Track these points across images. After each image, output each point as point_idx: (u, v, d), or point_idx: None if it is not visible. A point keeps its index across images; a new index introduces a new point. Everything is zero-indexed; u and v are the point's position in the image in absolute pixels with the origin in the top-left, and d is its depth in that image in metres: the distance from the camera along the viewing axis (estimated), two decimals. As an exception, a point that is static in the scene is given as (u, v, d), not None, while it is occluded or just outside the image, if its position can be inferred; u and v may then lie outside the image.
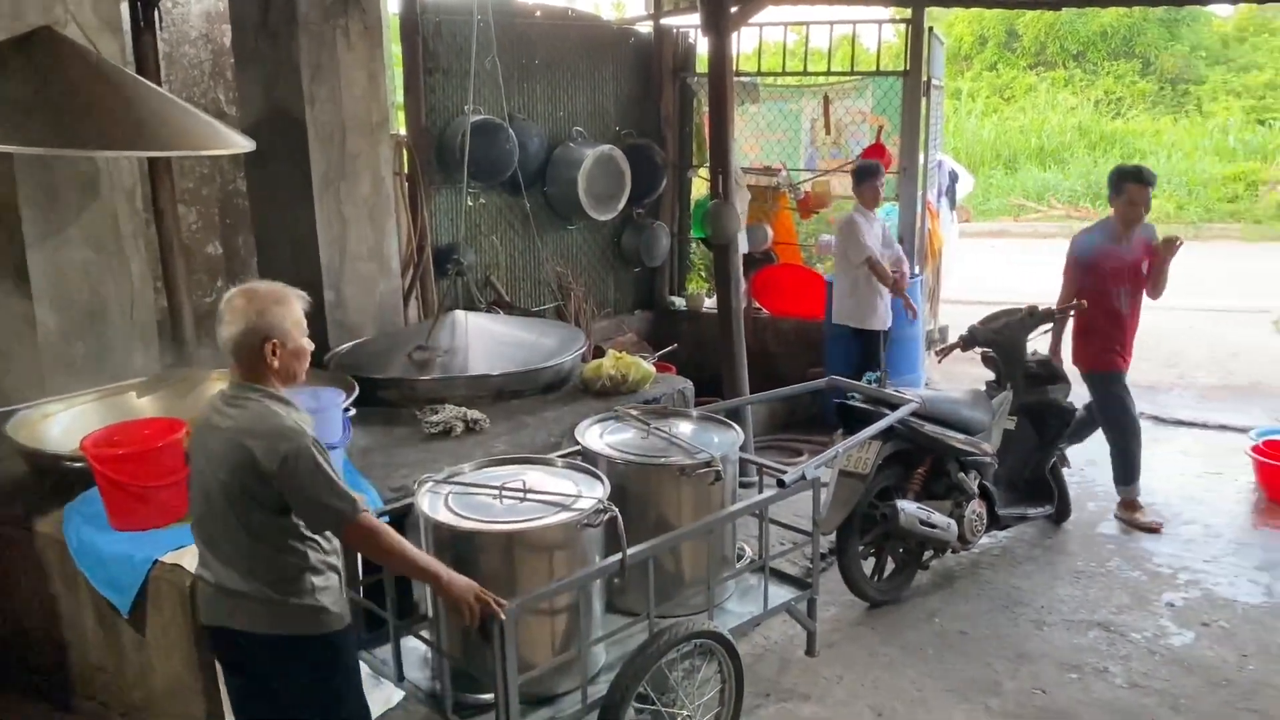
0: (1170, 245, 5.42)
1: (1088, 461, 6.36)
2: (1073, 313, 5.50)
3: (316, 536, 2.62)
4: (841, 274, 6.69)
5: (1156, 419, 7.32)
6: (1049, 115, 19.14)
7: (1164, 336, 9.56)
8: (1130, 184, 5.35)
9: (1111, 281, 5.43)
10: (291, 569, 2.57)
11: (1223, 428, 7.08)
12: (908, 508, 4.57)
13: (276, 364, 2.60)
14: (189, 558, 3.12)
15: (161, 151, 4.42)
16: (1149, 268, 5.47)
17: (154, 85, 4.47)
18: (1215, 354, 8.98)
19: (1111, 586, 4.88)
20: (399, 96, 6.75)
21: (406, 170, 6.29)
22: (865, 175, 6.52)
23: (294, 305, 2.64)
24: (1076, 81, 20.41)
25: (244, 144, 4.26)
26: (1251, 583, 4.88)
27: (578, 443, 3.73)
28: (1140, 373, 8.41)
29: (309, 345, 2.68)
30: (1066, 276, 5.56)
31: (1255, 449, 5.95)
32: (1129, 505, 5.62)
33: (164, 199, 5.02)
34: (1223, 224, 15.40)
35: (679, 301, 8.39)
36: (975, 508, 4.89)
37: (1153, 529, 5.44)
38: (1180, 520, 5.59)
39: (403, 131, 6.47)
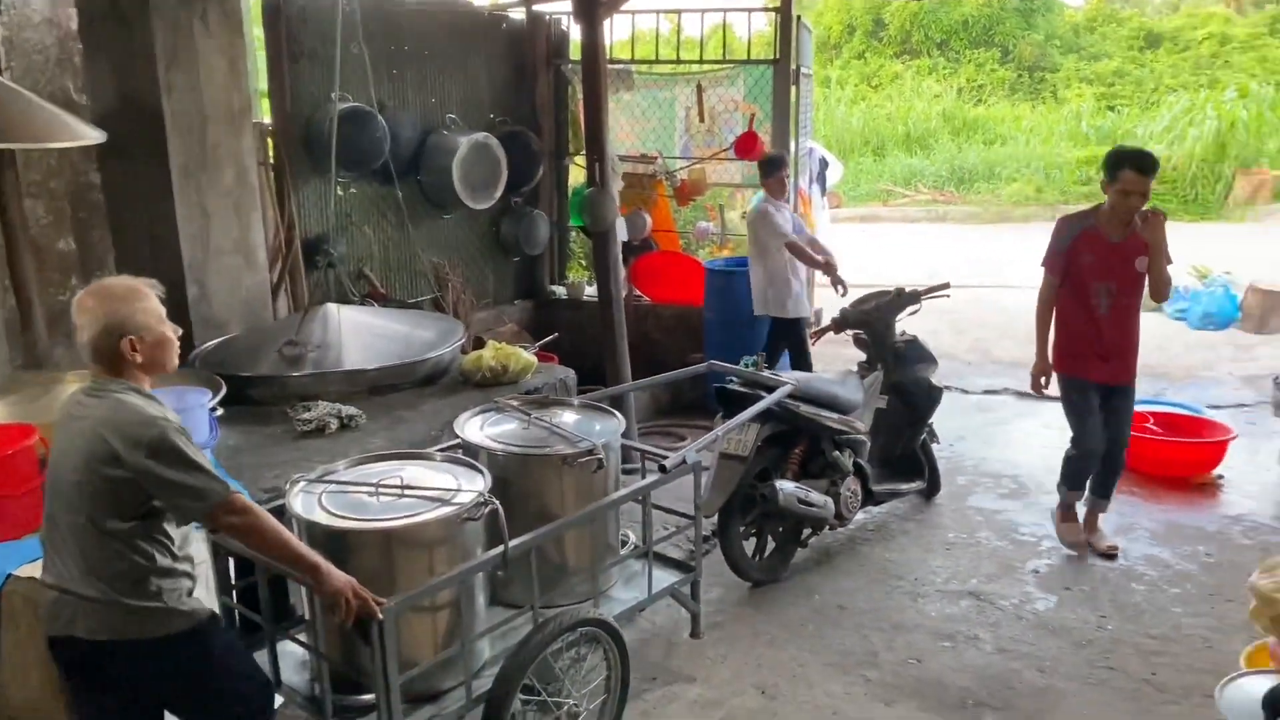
0: (1151, 222, 4.62)
1: (957, 437, 6.62)
2: (938, 294, 5.67)
3: (166, 539, 2.51)
4: (757, 265, 6.69)
5: (1020, 394, 7.63)
6: (915, 102, 19.75)
7: (1026, 314, 9.98)
8: (1127, 170, 4.60)
9: (1089, 276, 4.82)
10: (136, 571, 2.46)
11: (1080, 400, 7.41)
12: (786, 488, 4.66)
13: (140, 359, 2.51)
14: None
15: (1, 143, 4.18)
16: (1147, 264, 4.75)
17: (-8, 72, 4.23)
18: (1072, 330, 9.39)
19: (980, 556, 5.08)
20: (263, 84, 6.53)
21: (272, 160, 6.10)
22: (772, 167, 6.54)
23: (146, 296, 2.54)
24: (940, 69, 21.11)
25: (93, 135, 4.07)
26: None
27: (457, 436, 3.68)
28: (1003, 349, 8.82)
29: (172, 333, 2.59)
30: (1046, 267, 5.00)
31: (1109, 420, 6.26)
32: (1061, 511, 5.19)
33: (8, 193, 4.74)
34: (1078, 206, 16.13)
35: (559, 290, 8.36)
36: (851, 485, 5.02)
37: (1075, 545, 5.08)
38: (1043, 490, 5.85)
39: (267, 120, 6.26)
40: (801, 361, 6.58)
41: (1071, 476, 5.12)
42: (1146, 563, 4.98)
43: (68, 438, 2.48)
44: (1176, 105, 17.52)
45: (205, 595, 2.85)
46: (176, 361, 2.64)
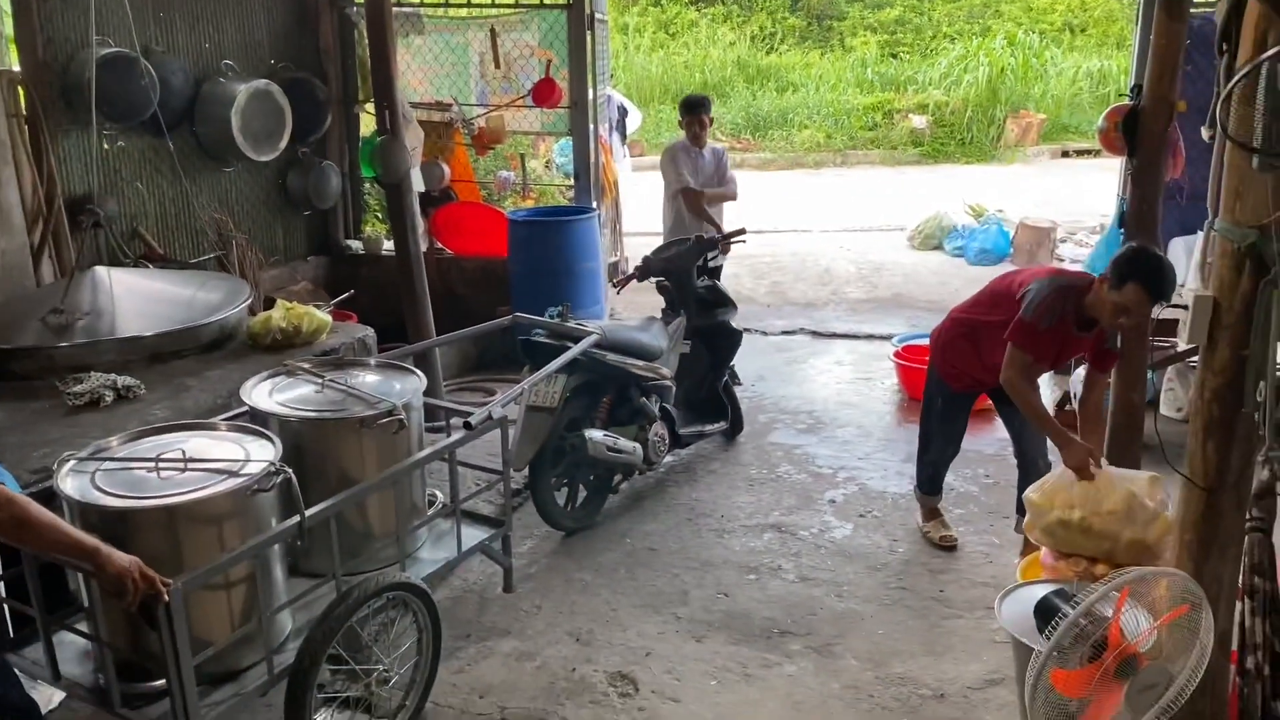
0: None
1: (757, 377, 6.83)
2: (735, 240, 5.80)
3: None
4: (666, 207, 6.81)
5: (815, 333, 7.96)
6: (710, 51, 19.99)
7: (818, 256, 10.40)
8: (1133, 285, 3.71)
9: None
10: None
11: (870, 337, 7.82)
12: (595, 436, 4.69)
13: None
14: None
15: None
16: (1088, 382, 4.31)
17: None
18: (862, 270, 9.87)
19: (781, 491, 5.28)
20: (9, 27, 5.92)
21: (25, 112, 5.55)
22: (684, 110, 6.71)
23: None
24: (734, 17, 21.42)
25: None
26: (899, 474, 5.45)
27: (245, 403, 3.50)
28: (798, 292, 9.16)
29: None
30: (1024, 346, 4.11)
31: (896, 354, 6.62)
32: (923, 509, 4.90)
33: None
34: (864, 151, 16.86)
35: (355, 245, 8.04)
36: (658, 430, 5.11)
37: (944, 545, 4.71)
38: (837, 424, 6.13)
39: (16, 67, 5.68)
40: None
41: (923, 478, 4.87)
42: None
43: None
44: (952, 52, 18.47)
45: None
46: None
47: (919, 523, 4.88)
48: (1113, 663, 2.63)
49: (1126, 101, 4.30)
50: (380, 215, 8.53)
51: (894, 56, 19.79)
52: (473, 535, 3.80)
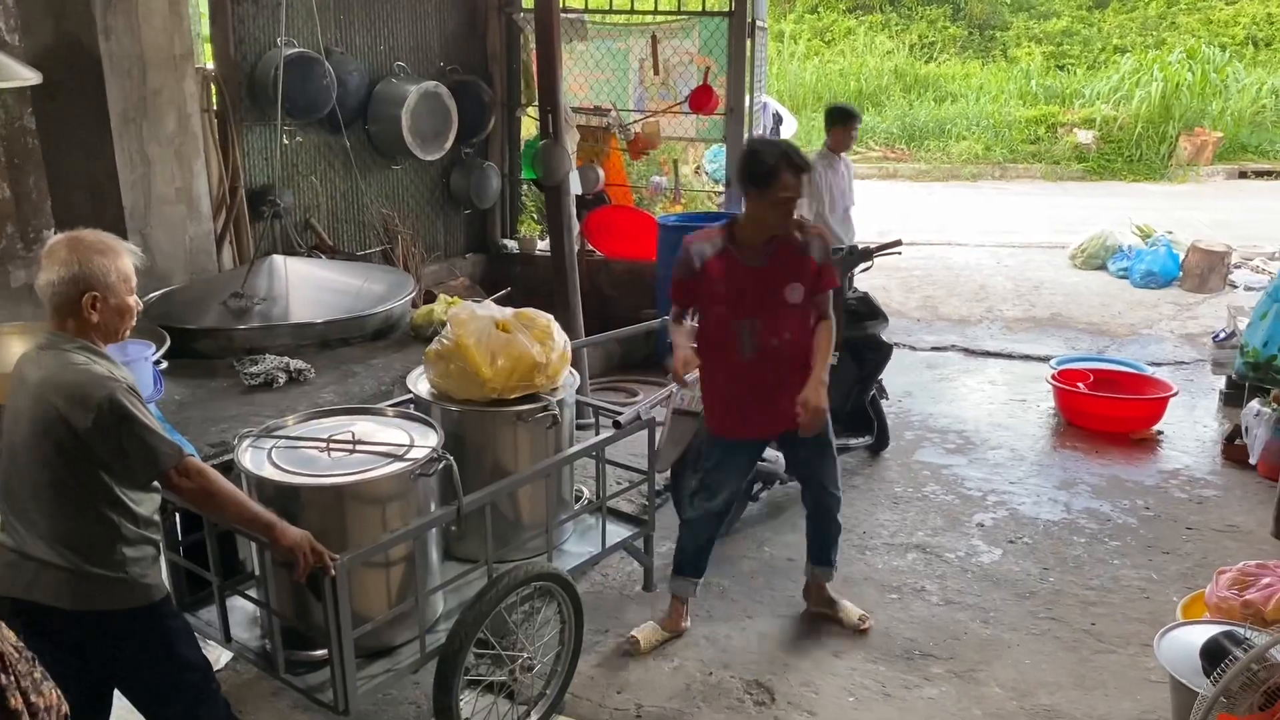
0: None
1: (905, 393, 6.70)
2: (890, 251, 5.70)
3: (130, 503, 2.45)
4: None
5: (967, 351, 7.75)
6: (867, 59, 19.71)
7: (973, 271, 10.12)
8: (786, 173, 3.50)
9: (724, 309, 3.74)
10: (101, 538, 2.41)
11: (1026, 357, 7.56)
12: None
13: (96, 319, 2.41)
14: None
15: (-69, 83, 4.01)
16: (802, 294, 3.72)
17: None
18: (1019, 288, 9.55)
19: (927, 510, 5.16)
20: (205, 27, 6.33)
21: (216, 107, 5.93)
22: (831, 120, 6.56)
23: (122, 258, 2.44)
24: (892, 25, 21.07)
25: (29, 76, 3.92)
26: (1051, 501, 5.25)
27: (409, 391, 3.64)
28: (950, 307, 8.93)
29: (135, 303, 2.49)
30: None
31: (1054, 376, 6.38)
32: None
33: (-63, 136, 4.57)
34: (1025, 165, 16.31)
35: (511, 244, 8.28)
36: (802, 441, 5.06)
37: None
38: (988, 445, 5.95)
39: (210, 65, 6.07)
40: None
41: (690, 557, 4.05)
42: (1087, 516, 5.09)
43: (20, 398, 2.40)
44: (1124, 65, 17.69)
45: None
46: (127, 335, 2.55)
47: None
48: (1288, 713, 2.49)
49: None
50: (535, 216, 8.74)
51: (1060, 68, 19.09)
52: (616, 533, 3.86)
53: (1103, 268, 10.11)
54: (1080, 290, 9.44)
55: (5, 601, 2.44)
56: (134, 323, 2.54)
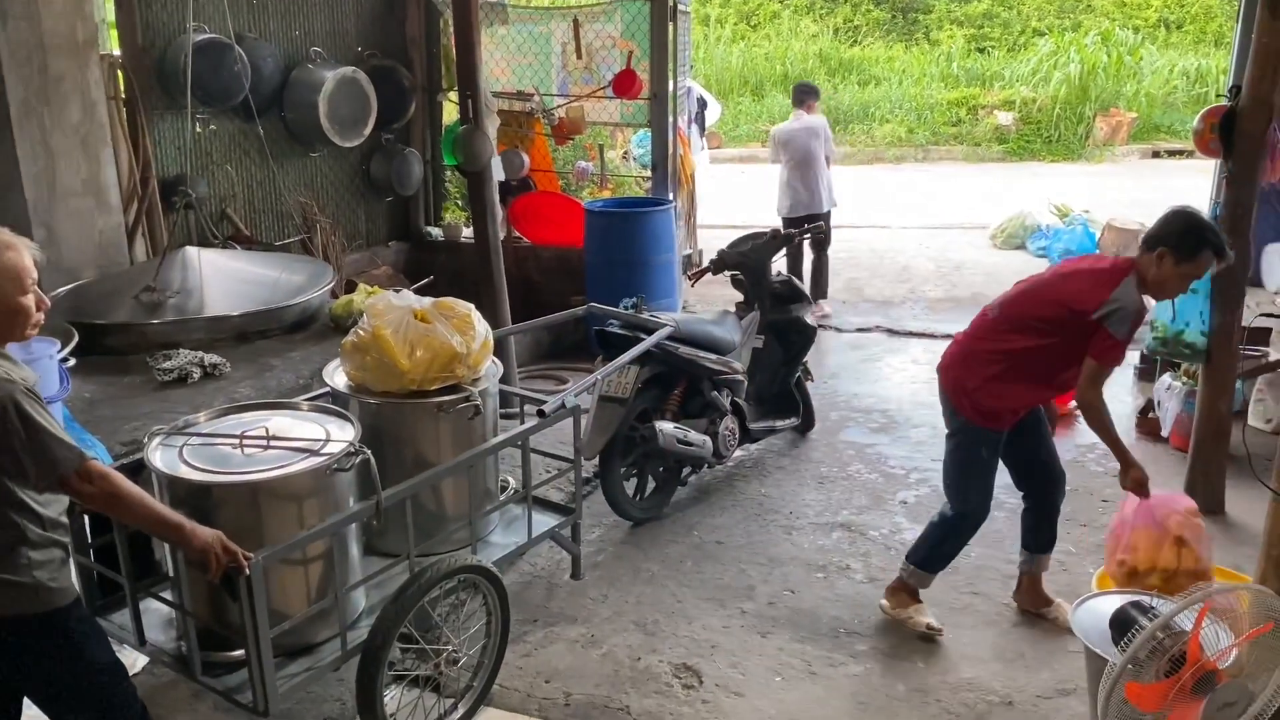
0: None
1: (830, 374, 6.78)
2: (812, 234, 5.75)
3: (35, 506, 2.36)
4: (809, 168, 8.01)
5: (891, 331, 7.87)
6: (792, 43, 19.83)
7: (896, 253, 10.27)
8: (1209, 251, 3.50)
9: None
10: (5, 542, 2.32)
11: (948, 336, 7.59)
12: (666, 428, 4.70)
13: None
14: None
15: None
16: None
17: None
18: (941, 269, 9.72)
19: (852, 489, 5.24)
20: (110, 13, 6.13)
21: (124, 95, 5.75)
22: (811, 94, 8.34)
23: (14, 253, 2.33)
24: (817, 9, 21.22)
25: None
26: (972, 477, 5.35)
27: (326, 384, 3.58)
28: (874, 289, 9.06)
29: (30, 303, 2.35)
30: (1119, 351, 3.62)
31: (974, 355, 6.49)
32: (907, 590, 4.07)
33: None
34: (947, 147, 16.58)
35: (435, 231, 8.18)
36: (729, 424, 5.10)
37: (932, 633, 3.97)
38: (911, 424, 6.05)
39: (117, 52, 5.89)
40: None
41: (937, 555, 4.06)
42: (1007, 491, 5.13)
43: None
44: (1042, 48, 18.05)
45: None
46: (29, 335, 2.41)
47: (887, 607, 4.07)
48: (1190, 678, 2.57)
49: (1224, 102, 4.16)
50: (460, 203, 8.65)
51: (981, 51, 19.42)
52: (543, 522, 3.84)
53: (1022, 247, 10.34)
54: (1000, 270, 9.62)
55: None
56: (34, 322, 2.42)
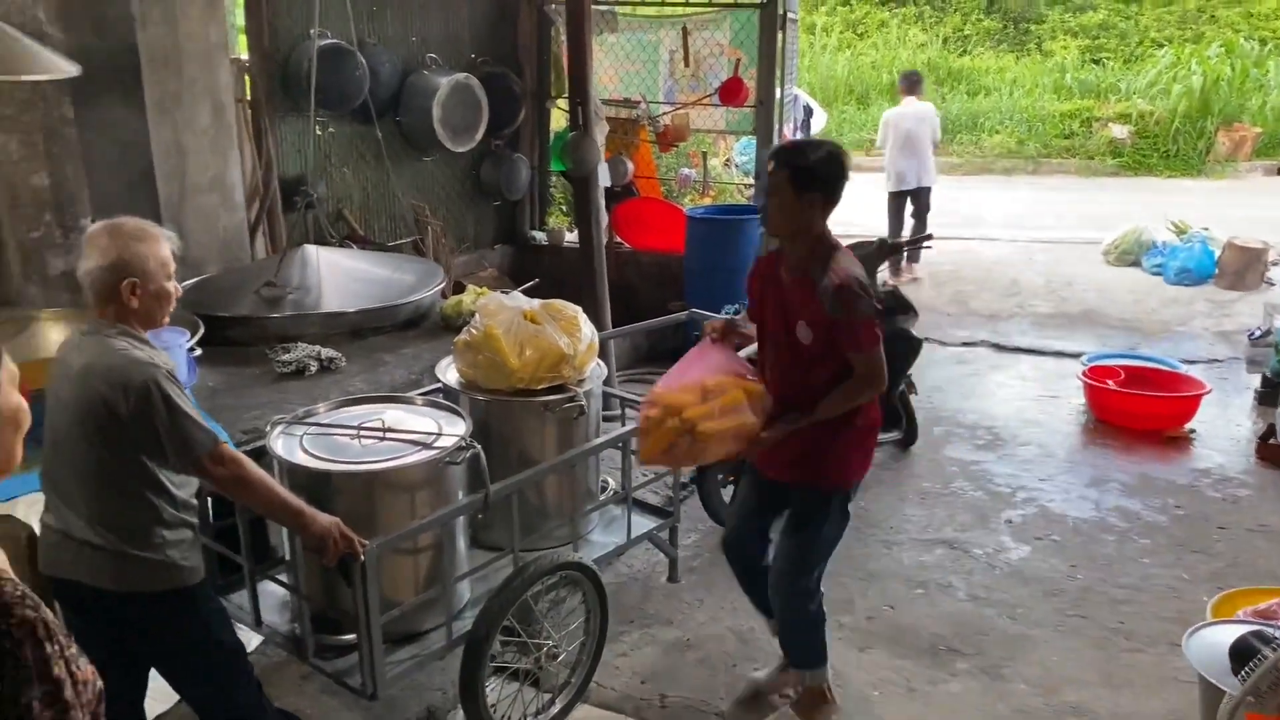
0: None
1: (934, 388, 6.67)
2: (920, 245, 5.67)
3: (170, 487, 2.49)
4: (922, 148, 9.21)
5: (998, 346, 7.70)
6: (900, 51, 19.56)
7: (1004, 266, 10.04)
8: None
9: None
10: (141, 520, 2.45)
11: (1057, 354, 7.50)
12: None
13: (135, 304, 2.45)
14: (21, 508, 2.95)
15: (-30, 74, 4.08)
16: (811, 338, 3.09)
17: (-40, 0, 4.11)
18: (1051, 284, 9.46)
19: (955, 506, 5.14)
20: (240, 18, 6.39)
21: (250, 97, 5.99)
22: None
23: (160, 244, 2.49)
24: (926, 18, 20.89)
25: (68, 68, 3.97)
26: (1081, 498, 5.21)
27: (438, 380, 3.67)
28: (981, 302, 8.87)
29: (174, 289, 2.53)
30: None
31: (1085, 373, 6.33)
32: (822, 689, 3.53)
33: (-21, 126, 4.65)
34: (1059, 160, 16.13)
35: (540, 235, 8.30)
36: (830, 435, 5.04)
37: None
38: (1018, 442, 5.92)
39: (245, 56, 6.13)
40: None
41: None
42: (1117, 514, 5.05)
43: (64, 383, 2.44)
44: (1161, 59, 17.45)
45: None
46: (166, 319, 2.59)
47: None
48: (1318, 714, 2.46)
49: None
50: (564, 208, 8.76)
51: (1096, 62, 18.85)
52: (642, 523, 3.87)
53: (1136, 264, 10.00)
54: (1113, 286, 9.34)
55: (49, 581, 2.49)
56: (172, 308, 2.58)
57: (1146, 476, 5.47)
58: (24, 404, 1.52)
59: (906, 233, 9.09)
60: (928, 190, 9.28)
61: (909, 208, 9.41)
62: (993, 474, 5.51)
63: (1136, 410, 6.08)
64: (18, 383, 1.52)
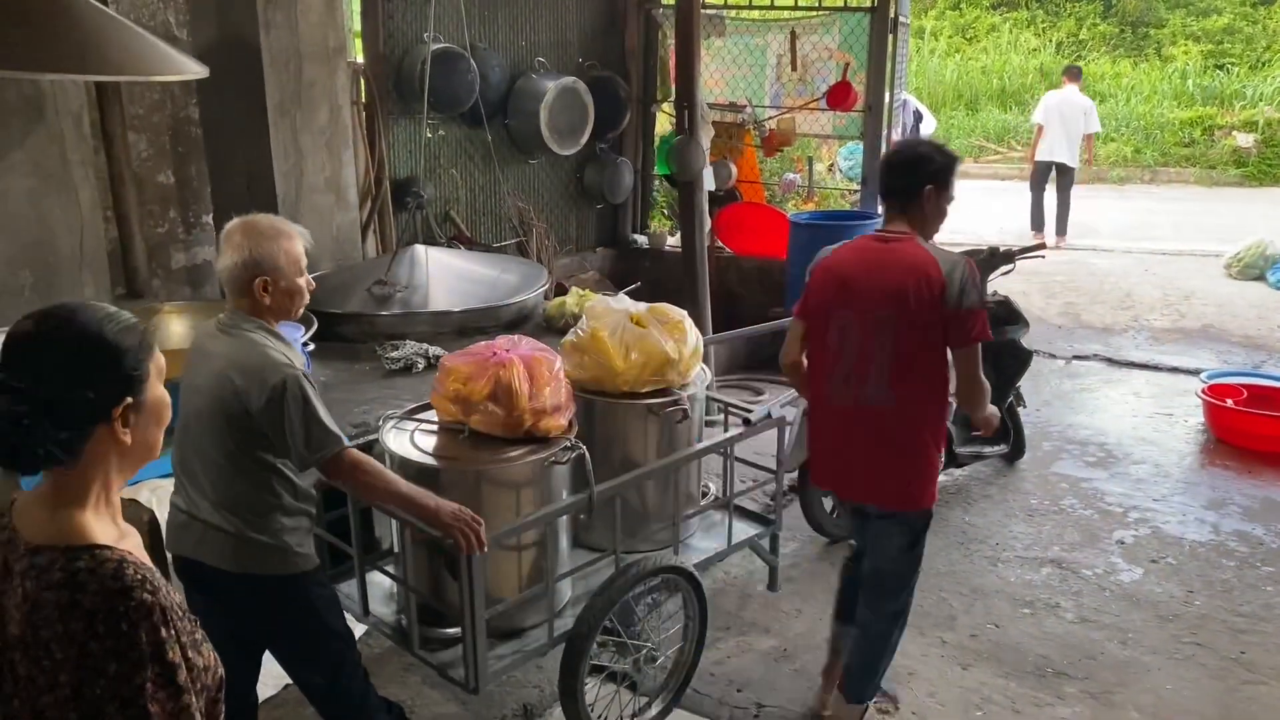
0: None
1: (1043, 402, 6.48)
2: (1032, 255, 5.51)
3: (293, 476, 2.58)
4: (1076, 135, 10.87)
5: (1111, 360, 7.46)
6: (1011, 56, 19.10)
7: (1119, 278, 9.71)
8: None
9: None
10: (264, 506, 2.54)
11: (1174, 370, 7.22)
12: None
13: (268, 300, 2.54)
14: (145, 492, 3.07)
15: (108, 76, 4.25)
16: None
17: (98, 4, 4.29)
18: (1168, 297, 9.12)
19: (1064, 524, 4.98)
20: (357, 23, 6.56)
21: (364, 100, 6.14)
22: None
23: (292, 242, 2.57)
24: (1039, 23, 20.36)
25: (196, 70, 4.11)
26: (1199, 521, 5.00)
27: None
28: (1094, 315, 8.60)
29: (305, 285, 2.61)
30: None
31: (1204, 391, 6.07)
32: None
33: (113, 125, 4.86)
34: (1178, 169, 15.54)
35: (642, 239, 8.33)
36: (934, 447, 4.94)
37: None
38: (1131, 460, 5.71)
39: (360, 59, 6.29)
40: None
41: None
42: (1238, 538, 4.83)
43: (199, 372, 2.54)
44: (1291, 65, 16.70)
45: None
46: (300, 313, 2.68)
47: None
48: None
49: None
50: (667, 211, 8.77)
51: (1219, 68, 18.10)
52: (742, 530, 3.84)
53: (1261, 278, 9.56)
54: (1235, 301, 8.95)
55: (175, 560, 2.59)
56: (306, 302, 2.65)
57: (1270, 500, 5.22)
58: (168, 397, 1.58)
59: (1049, 217, 10.81)
60: (1072, 170, 10.81)
61: (1051, 183, 10.85)
62: (1104, 492, 5.33)
63: (1260, 431, 5.80)
64: (164, 376, 1.57)
